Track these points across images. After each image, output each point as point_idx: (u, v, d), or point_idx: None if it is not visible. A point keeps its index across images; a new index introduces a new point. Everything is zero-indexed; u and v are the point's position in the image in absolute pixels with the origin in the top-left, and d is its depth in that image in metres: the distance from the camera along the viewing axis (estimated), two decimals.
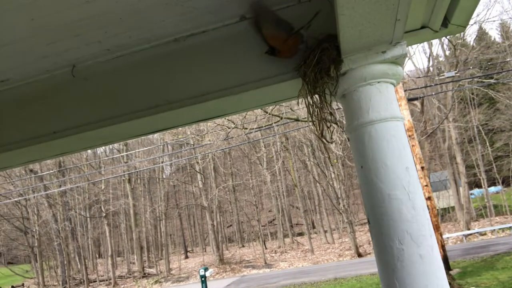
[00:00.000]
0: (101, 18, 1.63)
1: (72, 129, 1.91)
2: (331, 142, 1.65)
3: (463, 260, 16.48)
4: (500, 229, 23.70)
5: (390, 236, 1.49)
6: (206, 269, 19.48)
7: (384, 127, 1.53)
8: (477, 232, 23.99)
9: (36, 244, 33.65)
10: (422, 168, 15.68)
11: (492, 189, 37.67)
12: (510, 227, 23.60)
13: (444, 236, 20.17)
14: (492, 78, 24.04)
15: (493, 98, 31.02)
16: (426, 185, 15.75)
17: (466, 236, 23.62)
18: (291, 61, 1.69)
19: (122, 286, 30.76)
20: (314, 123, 1.59)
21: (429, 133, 21.68)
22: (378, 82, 1.57)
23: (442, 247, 15.29)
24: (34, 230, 33.46)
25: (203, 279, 18.63)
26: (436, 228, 15.55)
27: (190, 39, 1.84)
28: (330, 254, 28.15)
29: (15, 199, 32.88)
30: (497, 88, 31.04)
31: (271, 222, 44.58)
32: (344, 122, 1.64)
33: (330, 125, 1.60)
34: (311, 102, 1.59)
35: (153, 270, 33.61)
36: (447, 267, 14.42)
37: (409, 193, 1.49)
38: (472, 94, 31.21)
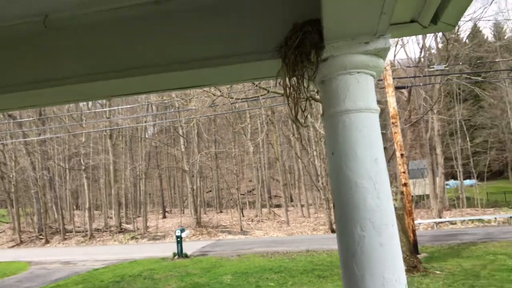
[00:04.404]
0: None
1: (43, 82, 1.86)
2: (305, 126, 1.66)
3: (432, 246, 17.13)
4: (470, 220, 24.60)
5: (353, 222, 1.53)
6: (182, 230, 19.82)
7: (359, 117, 1.54)
8: (448, 221, 24.86)
9: (12, 190, 33.51)
10: (402, 155, 15.98)
11: (467, 182, 38.83)
12: (479, 219, 24.51)
13: (416, 222, 20.83)
14: (479, 76, 24.22)
15: (478, 95, 31.44)
16: (404, 172, 16.11)
17: (437, 223, 24.45)
18: (272, 40, 1.66)
19: (98, 239, 31.08)
20: (290, 105, 1.58)
21: (413, 122, 21.97)
22: (358, 73, 1.55)
23: (413, 231, 15.84)
24: (11, 176, 33.19)
25: (178, 239, 18.99)
26: (409, 213, 16.05)
27: (172, 2, 1.78)
28: (305, 227, 28.85)
29: None
30: (483, 86, 31.44)
31: (250, 191, 45.14)
32: (320, 110, 1.64)
33: (305, 109, 1.60)
34: (289, 85, 1.58)
35: (130, 226, 33.97)
36: (416, 251, 15.01)
37: (375, 183, 1.52)
38: (459, 89, 31.59)
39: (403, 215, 14.82)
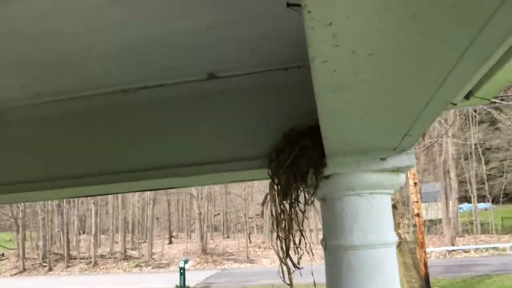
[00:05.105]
0: (20, 63, 1.26)
1: None
2: (299, 268, 1.28)
3: (444, 278, 16.43)
4: (484, 248, 23.65)
5: None
6: (186, 261, 19.34)
7: (370, 256, 1.15)
8: (461, 249, 23.95)
9: (20, 216, 33.34)
10: (415, 184, 15.44)
11: (481, 205, 37.56)
12: (494, 247, 23.56)
13: (428, 249, 20.06)
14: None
15: (495, 117, 30.63)
16: (417, 202, 15.52)
17: (450, 251, 23.56)
18: (262, 145, 1.31)
19: (102, 267, 30.54)
20: (280, 238, 1.21)
21: (427, 146, 21.44)
22: (371, 194, 1.17)
23: (425, 264, 15.14)
24: None
25: (181, 271, 18.51)
26: (421, 245, 15.38)
27: (143, 93, 1.44)
28: (314, 254, 28.02)
29: None
30: (500, 107, 30.57)
31: (258, 215, 44.42)
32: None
33: (299, 246, 1.23)
34: (279, 210, 1.21)
35: (135, 253, 33.41)
36: (428, 286, 14.30)
37: None
38: (475, 112, 30.84)
39: (415, 249, 14.18)
